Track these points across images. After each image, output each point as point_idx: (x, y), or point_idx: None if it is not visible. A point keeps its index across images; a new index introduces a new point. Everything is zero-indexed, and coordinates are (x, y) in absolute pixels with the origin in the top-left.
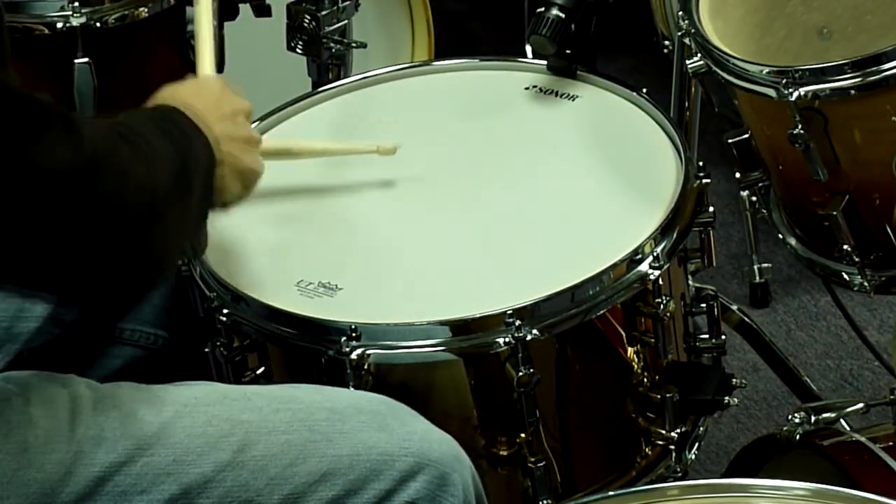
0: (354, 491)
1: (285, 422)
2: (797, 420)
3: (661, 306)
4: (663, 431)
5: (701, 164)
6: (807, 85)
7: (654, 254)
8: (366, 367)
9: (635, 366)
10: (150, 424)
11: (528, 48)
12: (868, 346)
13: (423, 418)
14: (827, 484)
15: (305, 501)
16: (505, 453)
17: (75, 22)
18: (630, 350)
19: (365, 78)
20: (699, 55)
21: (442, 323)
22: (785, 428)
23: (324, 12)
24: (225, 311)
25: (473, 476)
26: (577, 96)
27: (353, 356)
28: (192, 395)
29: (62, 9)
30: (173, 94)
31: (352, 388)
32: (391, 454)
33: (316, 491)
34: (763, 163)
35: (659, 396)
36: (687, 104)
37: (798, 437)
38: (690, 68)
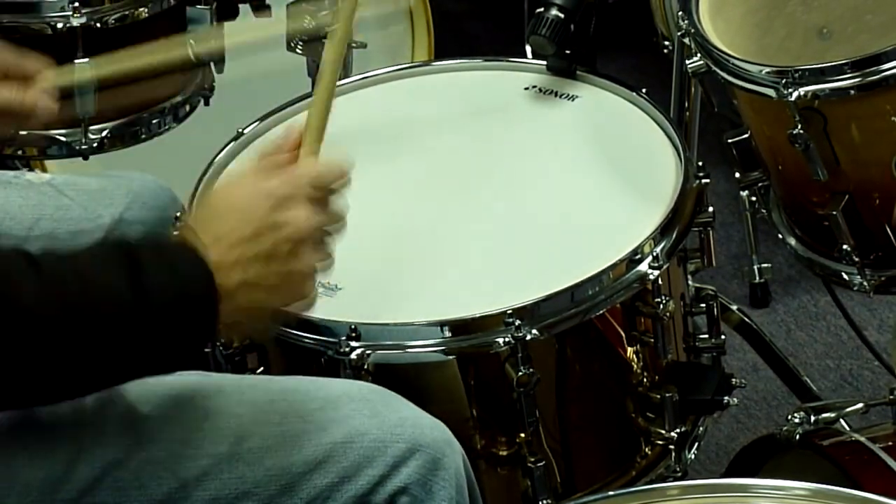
0: (348, 478)
1: (280, 412)
2: (797, 420)
3: (661, 306)
4: (663, 431)
5: (701, 164)
6: (806, 85)
7: (654, 254)
8: (365, 367)
9: (635, 366)
10: (148, 420)
11: (528, 48)
12: (868, 346)
13: (414, 405)
14: (827, 484)
15: (300, 490)
16: (505, 453)
17: (75, 22)
18: (630, 350)
19: (365, 78)
20: (699, 55)
21: (442, 323)
22: (785, 428)
23: (324, 12)
24: None
25: (465, 461)
26: (576, 96)
27: (353, 356)
28: (188, 388)
29: (62, 9)
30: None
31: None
32: (383, 440)
33: (311, 479)
34: (763, 163)
35: (659, 396)
36: (687, 104)
37: (798, 437)
38: (690, 68)
